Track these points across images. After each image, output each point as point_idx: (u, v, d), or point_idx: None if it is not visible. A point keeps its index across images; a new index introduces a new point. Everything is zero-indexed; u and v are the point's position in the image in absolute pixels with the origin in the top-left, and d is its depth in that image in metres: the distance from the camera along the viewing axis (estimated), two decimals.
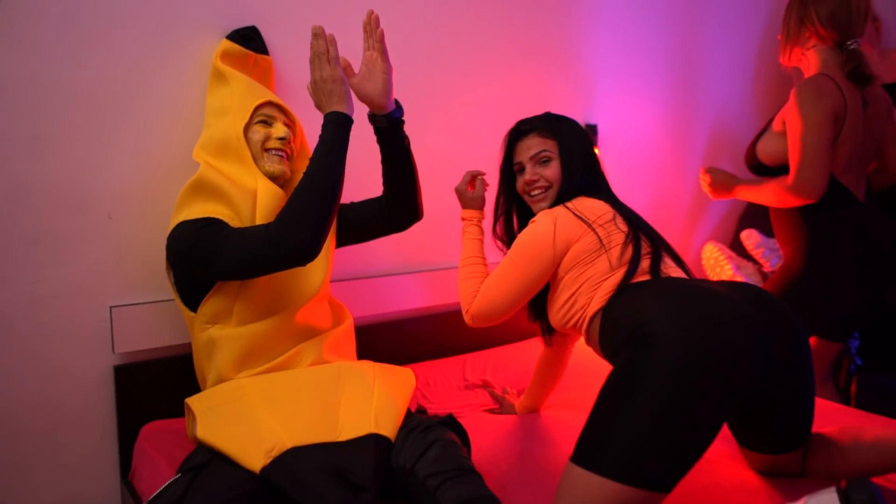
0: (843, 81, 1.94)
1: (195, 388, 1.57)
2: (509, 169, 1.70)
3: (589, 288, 1.45)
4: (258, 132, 1.56)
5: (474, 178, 1.75)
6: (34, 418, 1.63)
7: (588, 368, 2.09)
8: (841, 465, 1.38)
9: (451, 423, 1.39)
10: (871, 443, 1.38)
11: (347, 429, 1.29)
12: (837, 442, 1.41)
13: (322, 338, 1.58)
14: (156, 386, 1.72)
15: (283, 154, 1.58)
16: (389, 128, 1.53)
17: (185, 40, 1.71)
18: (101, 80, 1.63)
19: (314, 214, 1.32)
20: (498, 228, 1.75)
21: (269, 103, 1.60)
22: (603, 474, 1.16)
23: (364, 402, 1.36)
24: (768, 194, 2.05)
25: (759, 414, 1.36)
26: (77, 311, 1.65)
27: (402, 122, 1.55)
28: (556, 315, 1.53)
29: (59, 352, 1.64)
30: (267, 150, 1.56)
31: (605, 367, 2.07)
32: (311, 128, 1.73)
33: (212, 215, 1.42)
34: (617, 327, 1.37)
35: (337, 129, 1.39)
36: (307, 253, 1.33)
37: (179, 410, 1.63)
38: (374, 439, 1.27)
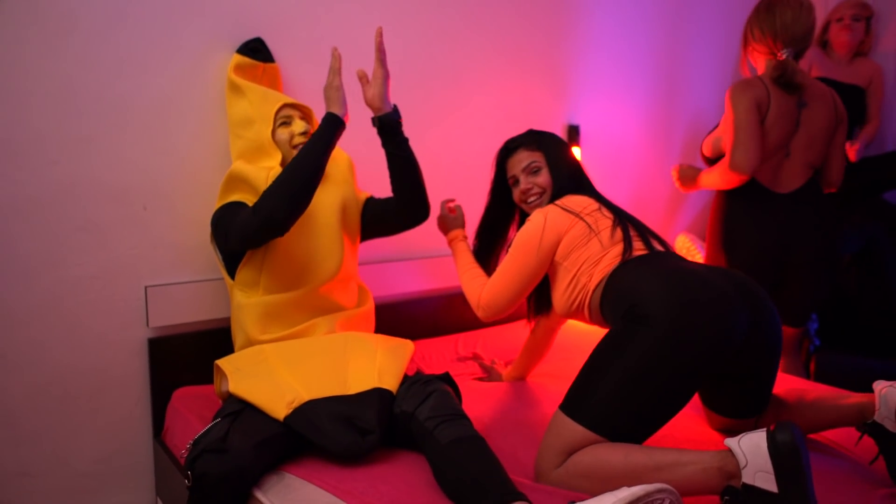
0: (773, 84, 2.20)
1: (220, 358, 1.79)
2: (502, 184, 1.92)
3: (588, 267, 1.62)
4: (283, 133, 1.81)
5: (450, 204, 2.01)
6: (79, 384, 1.86)
7: (569, 344, 2.33)
8: None
9: (447, 378, 1.61)
10: (811, 402, 1.59)
11: (355, 384, 1.53)
12: (784, 401, 1.62)
13: (338, 315, 1.82)
14: (185, 356, 1.95)
15: None
16: (387, 127, 1.75)
17: (204, 52, 1.94)
18: (139, 89, 1.85)
19: (287, 191, 1.59)
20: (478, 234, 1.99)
21: (285, 105, 1.83)
22: (581, 423, 1.37)
23: (369, 362, 1.60)
24: (716, 176, 2.31)
25: (728, 384, 1.55)
26: (116, 290, 1.88)
27: (398, 122, 1.77)
28: (560, 300, 1.69)
29: (101, 326, 1.87)
30: (295, 146, 1.80)
31: (583, 344, 2.33)
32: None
33: (236, 200, 1.72)
34: (617, 299, 1.52)
35: (325, 126, 1.66)
36: (276, 222, 1.59)
37: (206, 378, 1.87)
38: (378, 392, 1.50)
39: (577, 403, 1.41)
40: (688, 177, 2.52)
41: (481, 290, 1.77)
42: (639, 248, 1.64)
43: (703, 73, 3.28)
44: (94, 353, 1.87)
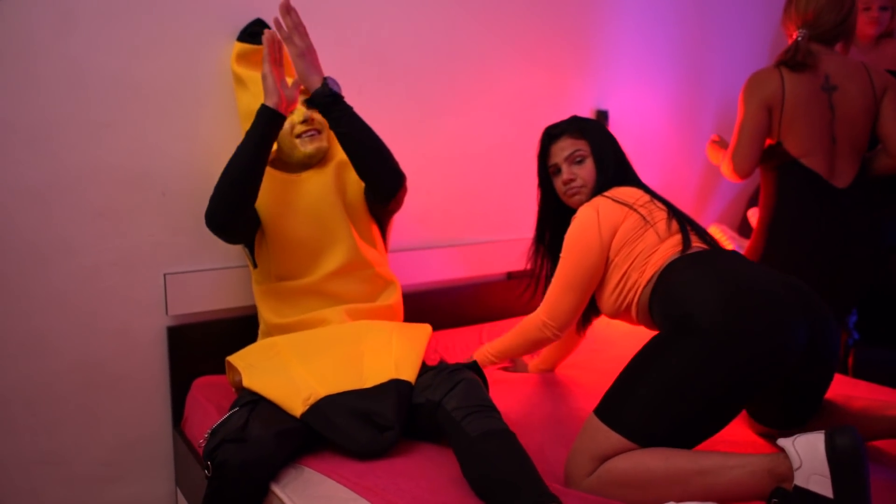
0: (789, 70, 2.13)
1: (239, 347, 1.76)
2: (546, 173, 1.81)
3: (641, 261, 1.52)
4: (285, 125, 1.73)
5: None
6: (99, 372, 1.83)
7: (601, 335, 2.26)
8: None
9: (475, 367, 1.55)
10: (858, 411, 1.48)
11: (372, 376, 1.47)
12: (830, 408, 1.51)
13: (352, 307, 1.75)
14: (204, 345, 1.92)
15: (313, 132, 1.75)
16: (319, 105, 1.62)
17: (219, 33, 1.89)
18: (156, 73, 1.81)
19: (219, 193, 1.60)
20: (547, 237, 1.86)
21: None
22: (618, 431, 1.27)
23: (384, 352, 1.54)
24: (723, 170, 2.27)
25: (776, 395, 1.44)
26: (135, 277, 1.85)
27: (331, 95, 1.60)
28: (608, 300, 1.60)
29: (120, 313, 1.85)
30: (298, 136, 1.74)
31: (620, 337, 2.26)
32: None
33: None
34: (667, 299, 1.43)
35: (256, 119, 1.60)
36: (216, 224, 1.63)
37: (225, 367, 1.83)
38: (395, 384, 1.44)
39: (614, 410, 1.32)
40: (722, 147, 2.43)
41: (537, 313, 1.68)
42: (696, 243, 1.56)
43: (734, 60, 3.18)
44: (113, 342, 1.85)
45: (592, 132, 1.76)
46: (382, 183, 1.70)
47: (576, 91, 2.67)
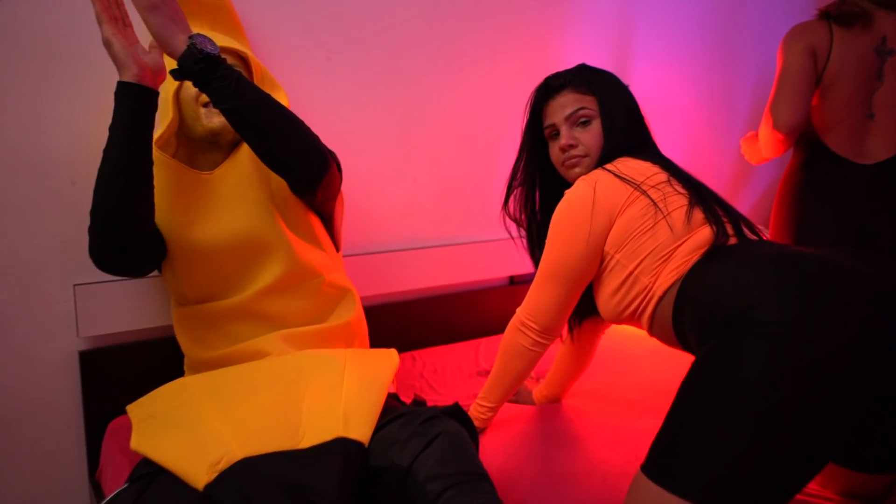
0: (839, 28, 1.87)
1: (172, 375, 1.36)
2: (537, 134, 1.44)
3: (653, 262, 1.19)
4: (190, 87, 1.32)
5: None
6: None
7: (618, 353, 1.88)
8: None
9: (456, 412, 1.16)
10: None
11: (311, 432, 1.07)
12: None
13: (289, 333, 1.35)
14: (127, 374, 1.54)
15: None
16: (192, 73, 1.12)
17: None
18: (55, 23, 1.42)
19: (96, 218, 1.20)
20: (511, 204, 1.48)
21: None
22: (682, 496, 0.91)
23: (332, 396, 1.14)
24: (762, 139, 1.96)
25: (875, 420, 1.00)
26: (36, 289, 1.47)
27: (204, 61, 1.11)
28: (608, 304, 1.27)
29: (17, 336, 1.46)
30: (205, 105, 1.31)
31: (639, 351, 1.87)
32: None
33: None
34: (702, 308, 1.08)
35: (117, 104, 1.15)
36: (100, 262, 1.23)
37: None
38: (341, 445, 1.04)
39: (667, 464, 0.94)
40: (750, 139, 2.13)
41: (516, 313, 1.34)
42: (733, 239, 1.19)
43: (771, 31, 2.77)
44: (12, 370, 1.46)
45: (604, 86, 1.37)
46: (295, 172, 1.29)
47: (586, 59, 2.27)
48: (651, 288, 1.19)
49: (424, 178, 1.98)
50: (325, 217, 1.49)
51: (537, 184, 1.47)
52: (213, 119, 1.31)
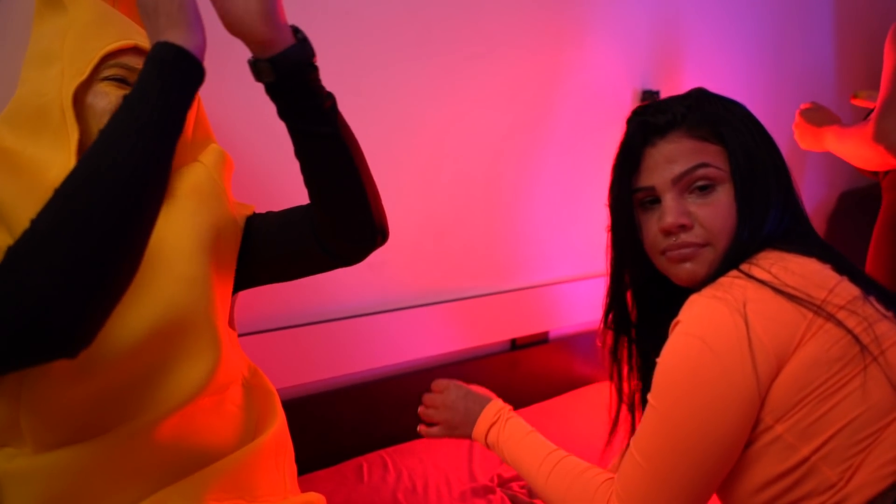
0: None
1: None
2: (625, 200, 0.92)
3: (846, 446, 0.74)
4: (106, 96, 0.86)
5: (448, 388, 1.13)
6: None
7: None
8: None
9: None
10: None
11: None
12: None
13: (209, 473, 0.88)
14: None
15: None
16: (283, 81, 0.83)
17: None
18: None
19: (69, 249, 0.62)
20: (612, 318, 0.99)
21: (135, 49, 0.88)
22: None
23: None
24: (850, 143, 1.56)
25: None
26: None
27: (310, 67, 0.84)
28: (751, 501, 0.80)
29: None
30: None
31: None
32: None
33: None
34: None
35: (153, 74, 0.70)
36: (53, 329, 0.62)
37: None
38: None
39: None
40: (813, 121, 1.70)
41: (603, 490, 0.86)
42: None
43: (822, 21, 2.56)
44: None
45: (738, 128, 0.87)
46: (356, 228, 0.95)
47: (612, 64, 1.92)
48: (841, 489, 0.73)
49: (399, 217, 1.51)
50: (247, 287, 1.04)
51: (627, 275, 0.97)
52: None
